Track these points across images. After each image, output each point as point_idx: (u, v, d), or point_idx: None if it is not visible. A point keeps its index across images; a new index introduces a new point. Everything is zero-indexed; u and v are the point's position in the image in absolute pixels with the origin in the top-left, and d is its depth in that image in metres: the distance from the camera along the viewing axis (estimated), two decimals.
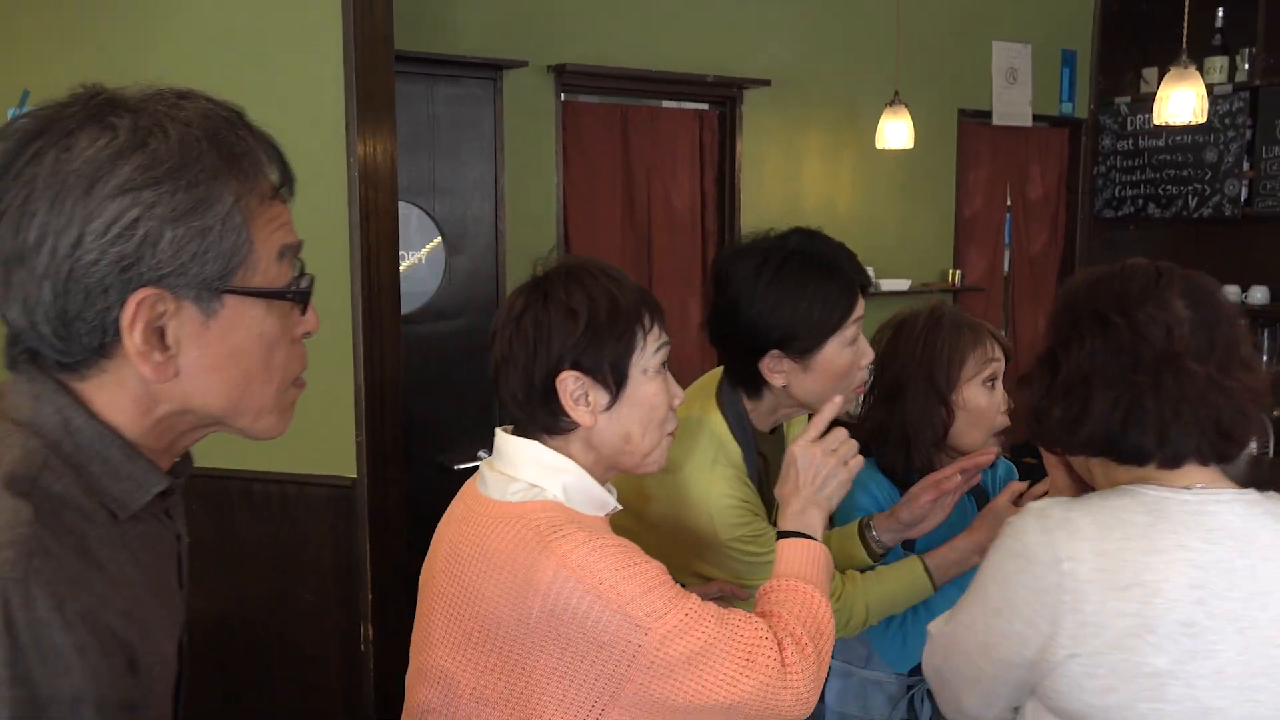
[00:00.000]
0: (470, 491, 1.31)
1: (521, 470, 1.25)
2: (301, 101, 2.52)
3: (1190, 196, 5.25)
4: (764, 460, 1.75)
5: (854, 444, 1.44)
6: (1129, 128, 5.52)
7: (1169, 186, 5.35)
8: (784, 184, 4.71)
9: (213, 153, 0.81)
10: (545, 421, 1.26)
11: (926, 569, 1.69)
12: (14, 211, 0.77)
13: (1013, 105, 5.36)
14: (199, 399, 0.86)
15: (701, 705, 1.17)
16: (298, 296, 0.89)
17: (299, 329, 0.92)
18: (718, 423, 1.67)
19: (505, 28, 3.86)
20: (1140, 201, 5.49)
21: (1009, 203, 5.58)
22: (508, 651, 1.18)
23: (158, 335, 0.82)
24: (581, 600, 1.13)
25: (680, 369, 1.44)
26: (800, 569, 1.34)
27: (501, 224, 3.89)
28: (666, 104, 4.48)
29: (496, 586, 1.18)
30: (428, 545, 1.34)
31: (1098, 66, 5.67)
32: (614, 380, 1.25)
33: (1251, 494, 1.19)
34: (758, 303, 1.56)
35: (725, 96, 4.47)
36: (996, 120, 5.31)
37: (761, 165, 4.61)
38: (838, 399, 1.50)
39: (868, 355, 1.63)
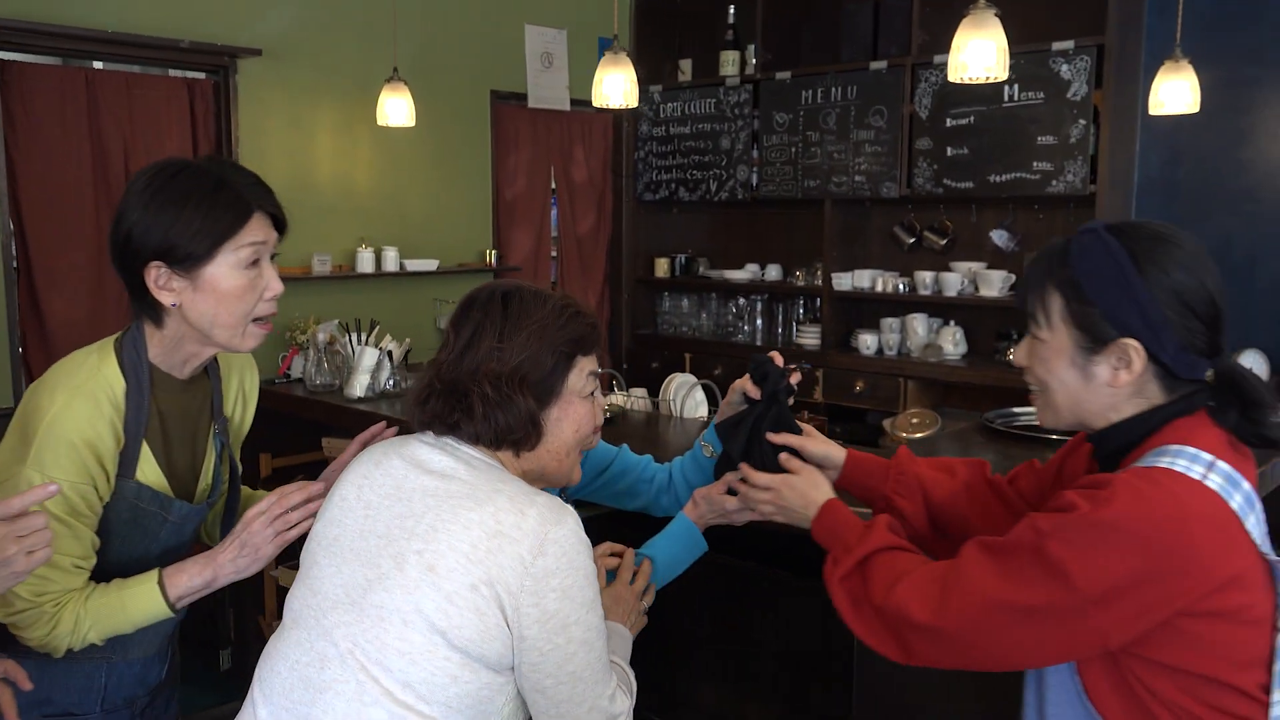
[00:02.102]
0: None
1: None
2: None
3: (711, 181, 5.62)
4: (178, 413, 1.63)
5: (48, 534, 1.29)
6: (662, 115, 5.83)
7: (695, 172, 5.70)
8: (292, 159, 4.51)
9: None
10: None
11: (162, 585, 1.56)
12: None
13: (549, 89, 5.48)
14: None
15: None
16: None
17: None
18: (106, 352, 1.56)
19: None
20: (673, 185, 5.81)
21: (554, 185, 5.71)
22: None
23: None
24: None
25: None
26: None
27: None
28: (150, 70, 4.14)
29: None
30: None
31: (635, 55, 5.92)
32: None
33: (442, 440, 1.44)
34: (140, 210, 1.52)
35: (215, 65, 4.20)
36: (532, 103, 5.40)
37: (264, 139, 4.39)
38: (49, 483, 1.29)
39: (275, 288, 1.59)
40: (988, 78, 2.61)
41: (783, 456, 1.68)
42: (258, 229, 1.56)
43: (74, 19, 3.77)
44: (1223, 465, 1.25)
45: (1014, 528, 1.29)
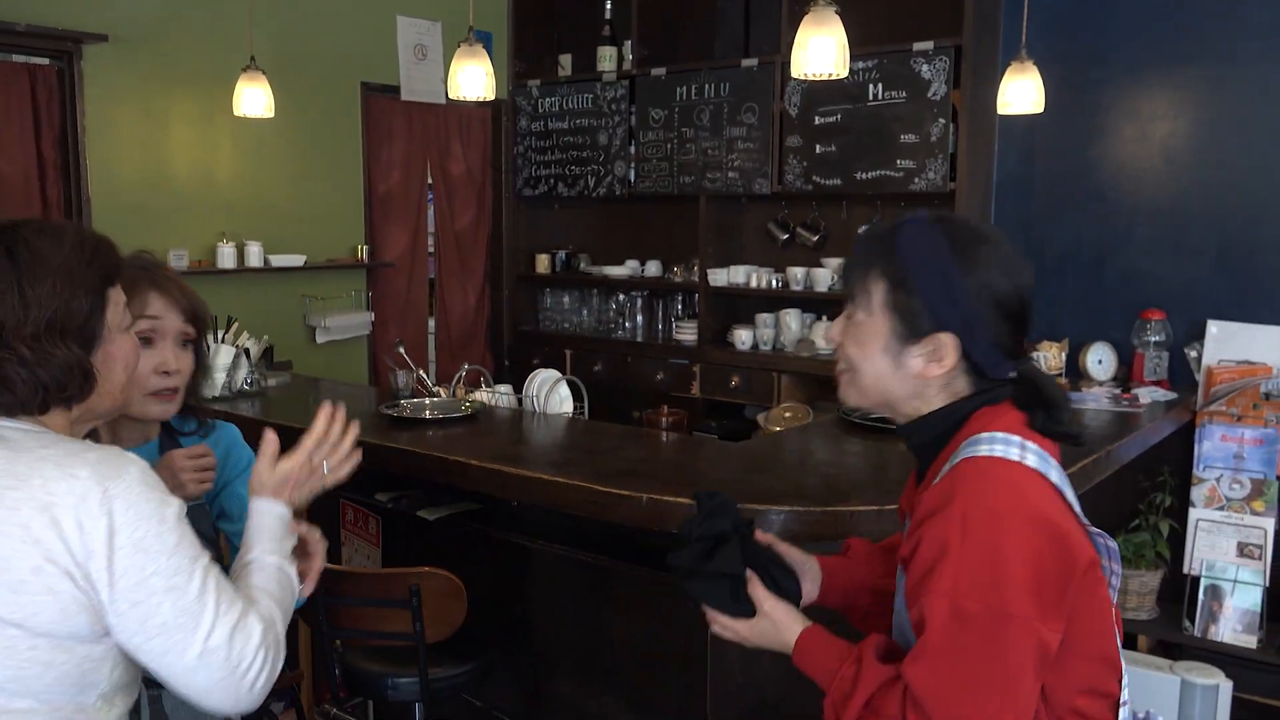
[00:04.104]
0: None
1: None
2: None
3: (589, 177, 5.60)
4: None
5: None
6: (539, 110, 5.78)
7: (573, 167, 5.67)
8: (146, 150, 4.34)
9: None
10: None
11: None
12: None
13: (423, 82, 5.39)
14: None
15: None
16: None
17: None
18: None
19: None
20: (552, 181, 5.77)
21: (431, 179, 5.62)
22: None
23: None
24: None
25: None
26: None
27: None
28: None
29: None
30: None
31: (513, 49, 5.88)
32: None
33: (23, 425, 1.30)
34: None
35: (58, 50, 4.01)
36: (406, 96, 5.31)
37: (114, 129, 4.21)
38: None
39: None
40: (830, 75, 2.64)
41: (756, 592, 1.47)
42: None
43: None
44: (1032, 445, 1.30)
45: (918, 615, 1.24)
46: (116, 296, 1.38)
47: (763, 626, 1.44)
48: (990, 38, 4.39)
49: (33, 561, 1.19)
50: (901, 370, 1.36)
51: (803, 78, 2.68)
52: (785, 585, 1.50)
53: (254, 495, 1.51)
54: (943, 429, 1.37)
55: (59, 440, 1.29)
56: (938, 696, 1.19)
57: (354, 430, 1.60)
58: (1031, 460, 1.27)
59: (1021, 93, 3.58)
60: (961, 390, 1.37)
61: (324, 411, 1.56)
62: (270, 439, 1.54)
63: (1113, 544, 1.34)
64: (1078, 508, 1.31)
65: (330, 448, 1.57)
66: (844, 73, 2.67)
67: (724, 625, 1.47)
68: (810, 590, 1.59)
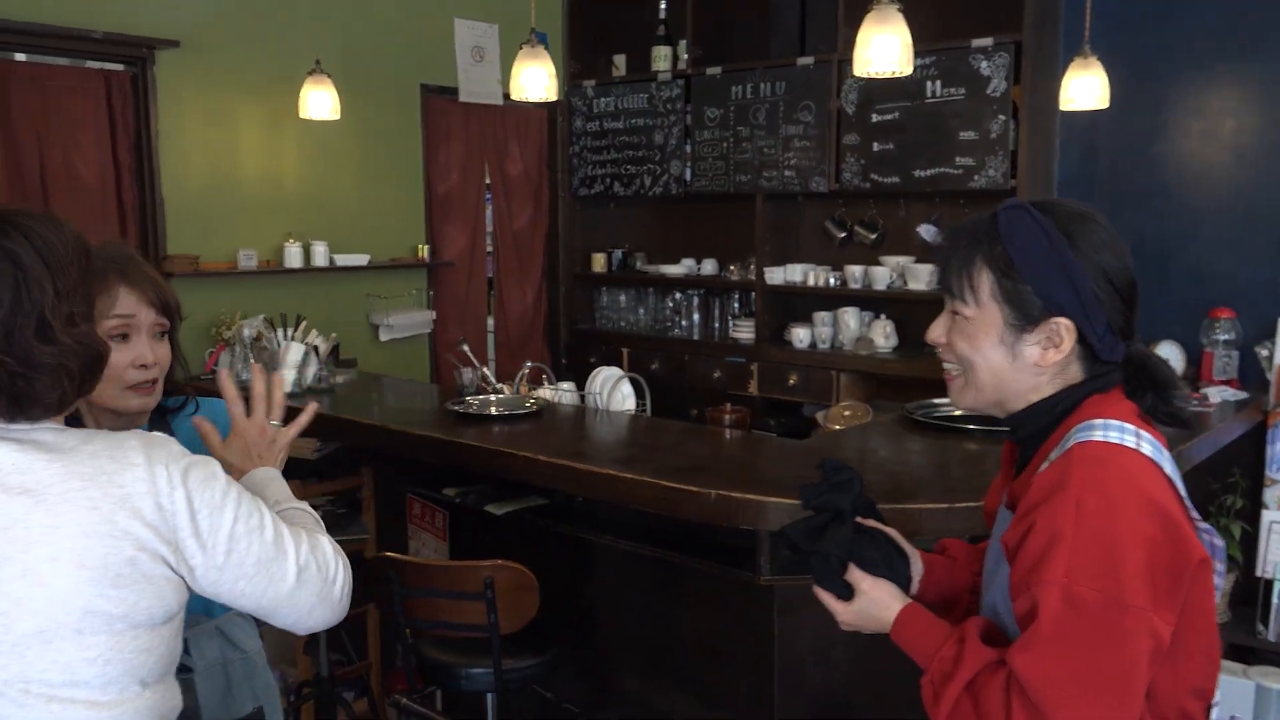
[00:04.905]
0: None
1: None
2: None
3: (645, 176, 5.63)
4: None
5: None
6: (595, 110, 5.82)
7: (629, 166, 5.71)
8: (215, 153, 4.45)
9: None
10: None
11: None
12: None
13: (481, 83, 5.46)
14: None
15: None
16: None
17: None
18: None
19: None
20: (608, 180, 5.81)
21: (489, 179, 5.69)
22: None
23: None
24: None
25: None
26: None
27: None
28: (63, 62, 4.04)
29: None
30: None
31: (568, 50, 5.93)
32: None
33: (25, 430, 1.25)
34: None
35: (132, 57, 4.12)
36: (464, 97, 5.38)
37: (185, 132, 4.32)
38: None
39: None
40: (893, 72, 2.64)
41: (853, 575, 1.45)
42: None
43: None
44: (1146, 434, 1.27)
45: (1028, 604, 1.20)
46: None
47: (861, 605, 1.42)
48: (1051, 33, 4.35)
49: (126, 554, 1.22)
50: (1019, 361, 1.33)
51: (865, 76, 2.68)
52: (897, 566, 1.48)
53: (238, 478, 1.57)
54: (1052, 417, 1.34)
55: (90, 434, 1.29)
56: (1048, 687, 1.15)
57: (278, 380, 1.71)
58: (1146, 449, 1.24)
59: (1085, 89, 3.54)
60: (1074, 376, 1.34)
61: (223, 379, 1.67)
62: (198, 424, 1.63)
63: (1219, 541, 1.30)
64: (1189, 501, 1.28)
65: (261, 401, 1.66)
66: (908, 70, 2.67)
67: (826, 603, 1.45)
68: (912, 584, 1.55)
